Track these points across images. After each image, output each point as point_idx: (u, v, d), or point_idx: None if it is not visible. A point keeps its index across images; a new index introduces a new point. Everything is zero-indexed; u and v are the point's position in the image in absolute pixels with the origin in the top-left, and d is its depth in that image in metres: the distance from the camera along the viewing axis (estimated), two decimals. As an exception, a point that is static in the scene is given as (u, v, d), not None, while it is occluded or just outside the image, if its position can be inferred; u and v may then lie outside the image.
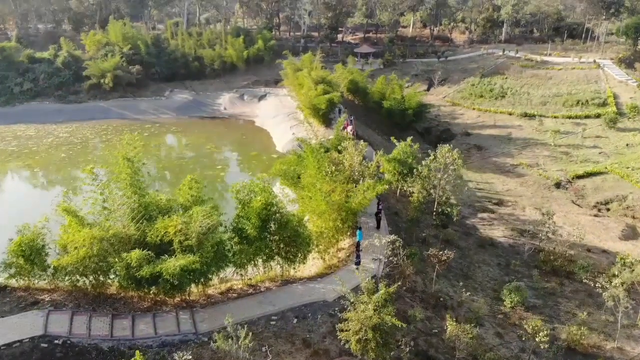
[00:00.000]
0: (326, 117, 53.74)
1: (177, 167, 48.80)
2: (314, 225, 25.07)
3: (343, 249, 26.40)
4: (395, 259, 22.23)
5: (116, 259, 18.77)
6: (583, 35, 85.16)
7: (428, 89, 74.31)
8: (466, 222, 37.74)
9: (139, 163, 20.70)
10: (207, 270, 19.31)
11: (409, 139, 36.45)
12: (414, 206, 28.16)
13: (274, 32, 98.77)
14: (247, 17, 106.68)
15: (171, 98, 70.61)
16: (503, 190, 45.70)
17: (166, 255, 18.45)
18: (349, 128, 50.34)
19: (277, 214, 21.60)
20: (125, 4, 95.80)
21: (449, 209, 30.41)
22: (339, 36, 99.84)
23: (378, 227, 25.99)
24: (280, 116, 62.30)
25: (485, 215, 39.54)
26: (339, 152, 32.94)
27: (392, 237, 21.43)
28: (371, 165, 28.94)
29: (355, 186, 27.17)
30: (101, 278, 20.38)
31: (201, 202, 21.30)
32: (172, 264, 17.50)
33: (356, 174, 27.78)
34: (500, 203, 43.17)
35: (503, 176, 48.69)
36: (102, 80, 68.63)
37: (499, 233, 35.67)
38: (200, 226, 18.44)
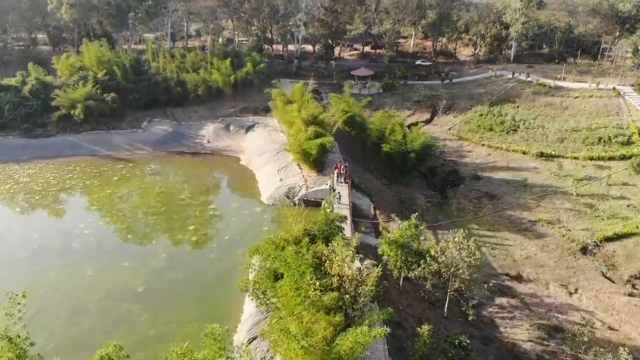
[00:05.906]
0: (317, 162, 47.47)
1: (142, 227, 42.13)
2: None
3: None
4: None
5: None
6: (599, 56, 78.77)
7: (431, 118, 68.01)
8: (483, 313, 31.48)
9: (27, 341, 14.37)
10: None
11: (413, 217, 30.17)
12: (423, 340, 21.90)
13: (266, 48, 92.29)
14: (238, 31, 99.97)
15: (148, 130, 63.98)
16: (522, 258, 39.38)
17: None
18: (342, 169, 44.16)
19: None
20: (107, 19, 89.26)
21: (464, 334, 24.09)
22: (336, 50, 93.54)
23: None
24: (268, 154, 55.88)
25: (504, 301, 33.24)
26: (328, 242, 26.59)
27: None
28: (370, 274, 22.53)
29: (347, 316, 20.85)
30: None
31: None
32: None
33: (347, 296, 21.43)
34: (519, 278, 36.95)
35: (520, 236, 42.35)
36: (72, 112, 62.18)
37: (523, 334, 29.36)
38: None
